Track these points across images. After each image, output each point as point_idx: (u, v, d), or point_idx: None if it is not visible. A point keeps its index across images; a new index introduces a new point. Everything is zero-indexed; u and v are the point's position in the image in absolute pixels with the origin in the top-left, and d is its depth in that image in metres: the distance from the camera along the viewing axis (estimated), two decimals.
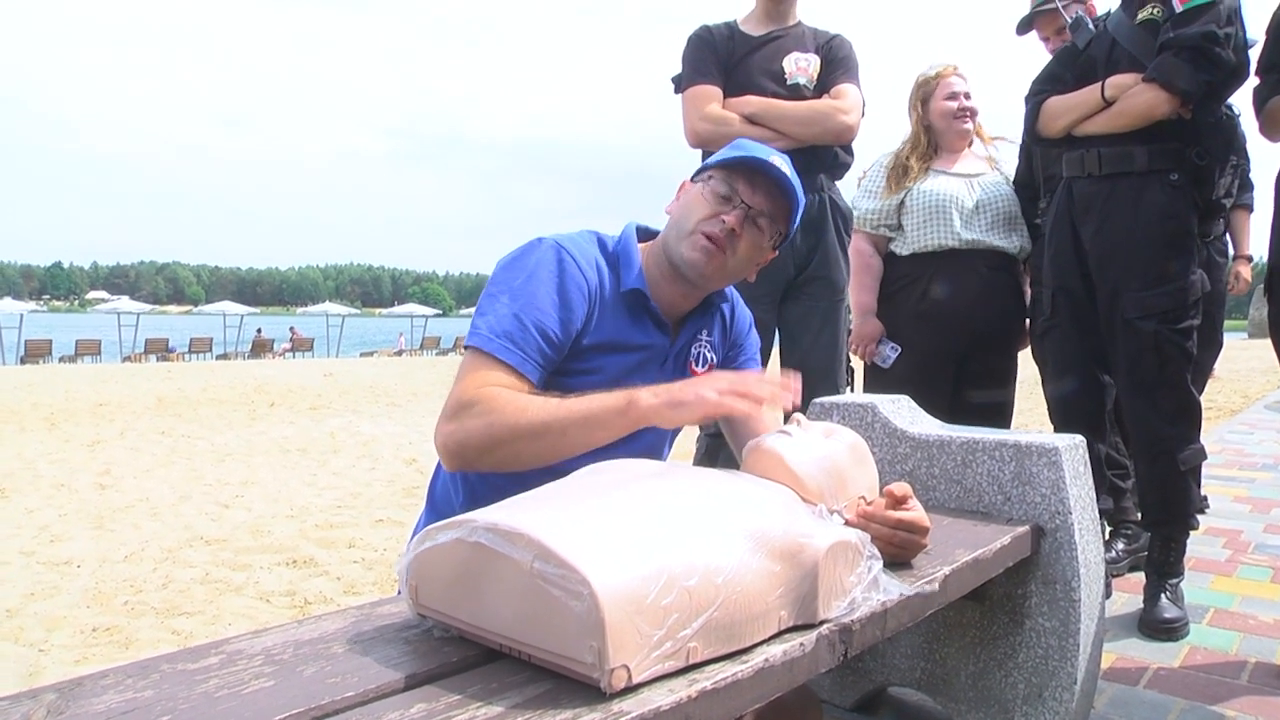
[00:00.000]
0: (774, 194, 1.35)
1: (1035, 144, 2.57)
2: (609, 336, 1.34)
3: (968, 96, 2.81)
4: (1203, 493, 3.60)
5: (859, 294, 2.84)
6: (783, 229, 1.40)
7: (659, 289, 1.39)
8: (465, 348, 1.28)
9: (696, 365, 1.49)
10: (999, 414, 2.84)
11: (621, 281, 1.36)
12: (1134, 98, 2.21)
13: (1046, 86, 2.43)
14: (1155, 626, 2.21)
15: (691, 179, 1.42)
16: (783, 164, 1.35)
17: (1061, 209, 2.42)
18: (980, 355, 2.76)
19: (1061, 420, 2.49)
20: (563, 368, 1.30)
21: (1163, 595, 2.27)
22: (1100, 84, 2.27)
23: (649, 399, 1.11)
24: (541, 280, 1.27)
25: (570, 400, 1.14)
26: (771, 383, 1.13)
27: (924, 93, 2.85)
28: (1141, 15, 2.26)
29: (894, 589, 1.01)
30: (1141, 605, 2.31)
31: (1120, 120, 2.24)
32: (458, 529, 0.87)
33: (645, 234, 1.48)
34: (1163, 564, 2.31)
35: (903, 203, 2.77)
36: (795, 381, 1.14)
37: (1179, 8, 2.17)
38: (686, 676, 0.81)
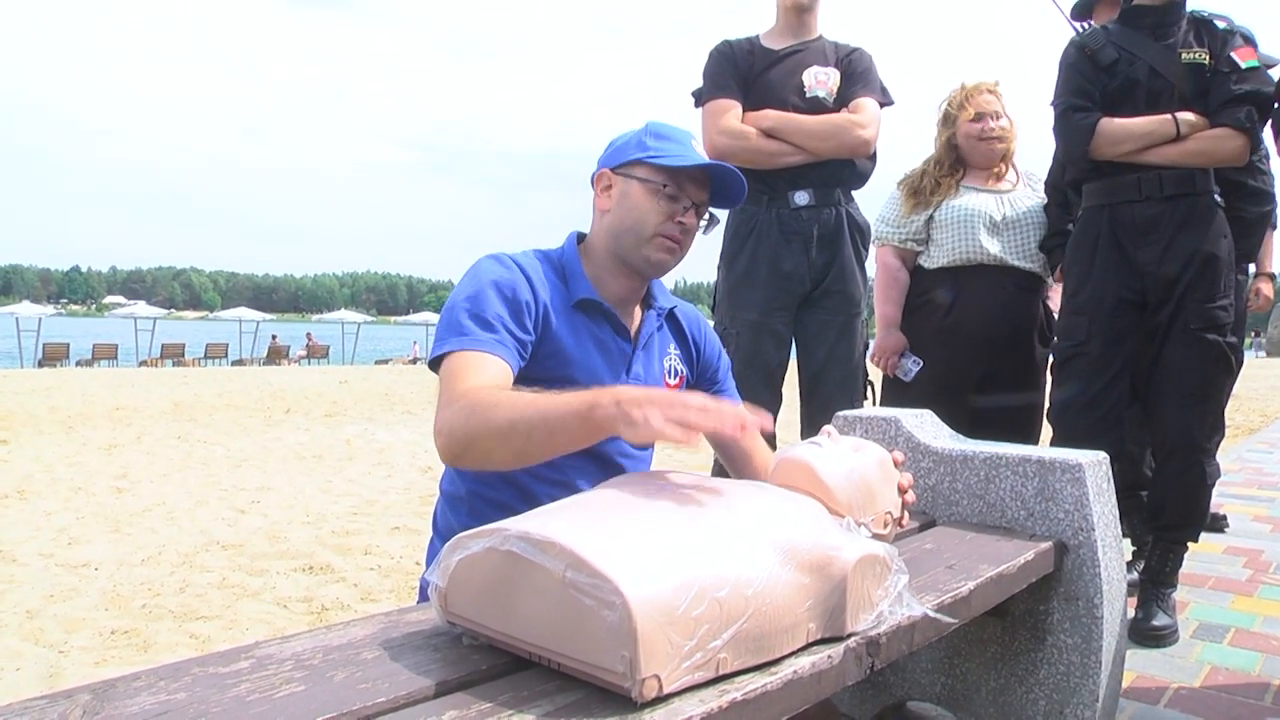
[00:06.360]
0: (707, 184, 1.43)
1: (1078, 163, 2.45)
2: (568, 345, 1.37)
3: (997, 116, 2.75)
4: (1222, 512, 3.59)
5: (884, 306, 2.83)
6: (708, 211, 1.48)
7: (607, 289, 1.44)
8: (431, 362, 1.31)
9: (669, 378, 1.52)
10: (1014, 420, 2.72)
11: (572, 291, 1.40)
12: (1222, 141, 2.24)
13: (1086, 103, 2.35)
14: (1146, 633, 2.26)
15: (614, 170, 1.42)
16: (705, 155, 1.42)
17: (1104, 235, 2.36)
18: (1001, 368, 2.73)
19: (1071, 439, 2.44)
20: (530, 374, 1.31)
21: (1155, 604, 2.34)
22: (1173, 117, 2.26)
23: (609, 408, 1.02)
24: (485, 284, 1.32)
25: (538, 399, 1.11)
26: (721, 414, 0.99)
27: (951, 111, 2.80)
28: (1188, 57, 2.29)
29: (918, 607, 1.01)
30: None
31: (1199, 159, 2.27)
32: (490, 538, 0.88)
33: (581, 238, 1.52)
34: (1160, 573, 2.38)
35: (932, 217, 2.76)
36: (764, 420, 1.04)
37: (1242, 63, 2.23)
38: (716, 687, 0.81)
